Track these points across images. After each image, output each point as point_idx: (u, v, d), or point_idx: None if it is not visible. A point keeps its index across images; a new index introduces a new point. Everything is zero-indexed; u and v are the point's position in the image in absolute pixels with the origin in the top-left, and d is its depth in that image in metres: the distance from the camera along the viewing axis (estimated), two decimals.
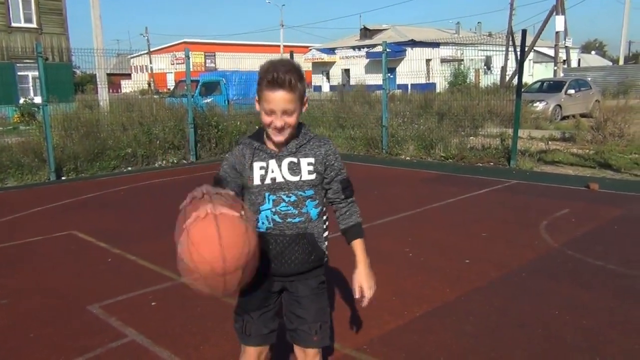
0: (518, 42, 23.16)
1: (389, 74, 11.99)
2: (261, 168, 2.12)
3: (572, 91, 18.92)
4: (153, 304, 4.11)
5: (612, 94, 23.30)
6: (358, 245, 2.24)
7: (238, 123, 12.72)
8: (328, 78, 46.34)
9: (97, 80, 18.06)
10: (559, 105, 18.19)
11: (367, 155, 11.82)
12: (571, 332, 3.51)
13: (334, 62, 47.70)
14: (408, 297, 4.11)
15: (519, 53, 10.50)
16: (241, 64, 21.48)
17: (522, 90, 10.27)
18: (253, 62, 22.28)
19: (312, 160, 2.15)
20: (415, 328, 3.60)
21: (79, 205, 7.72)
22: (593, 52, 65.45)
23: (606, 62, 50.70)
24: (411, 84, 29.35)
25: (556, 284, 4.35)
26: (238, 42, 60.20)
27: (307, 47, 53.11)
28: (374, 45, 40.29)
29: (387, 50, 11.75)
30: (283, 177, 2.12)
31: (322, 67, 48.22)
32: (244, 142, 2.21)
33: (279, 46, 54.76)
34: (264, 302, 2.21)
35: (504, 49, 31.55)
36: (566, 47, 33.49)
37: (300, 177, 2.13)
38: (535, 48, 33.20)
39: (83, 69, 41.62)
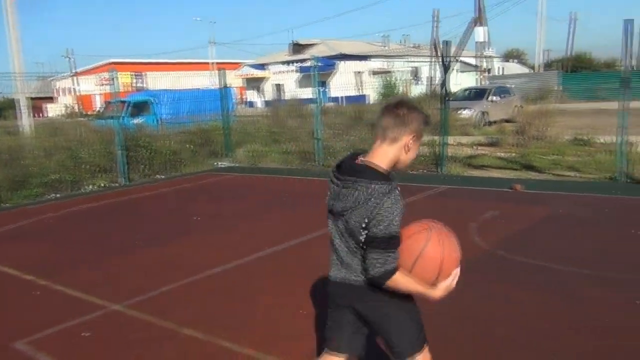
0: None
1: (321, 87, 12.13)
2: (404, 206, 2.16)
3: (495, 98, 19.74)
4: (86, 334, 3.94)
5: (532, 99, 24.48)
6: None
7: (171, 142, 12.51)
8: (261, 94, 46.34)
9: (19, 104, 17.30)
10: (484, 112, 18.94)
11: (303, 169, 11.86)
12: (508, 328, 3.65)
13: (266, 78, 47.81)
14: None
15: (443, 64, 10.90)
16: (172, 82, 21.06)
17: (449, 98, 10.65)
18: (184, 81, 22.00)
19: None
20: None
21: (1, 237, 7.31)
22: (515, 61, 68.57)
23: (526, 70, 53.32)
24: (344, 97, 29.86)
25: (489, 284, 4.50)
26: (167, 61, 59.09)
27: (239, 63, 52.95)
28: (305, 60, 40.71)
29: (318, 64, 11.90)
30: None
31: (255, 83, 48.20)
32: (393, 186, 2.11)
33: (209, 63, 54.29)
34: None
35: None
36: (488, 56, 35.15)
37: None
38: (461, 58, 34.57)
39: (3, 94, 39.61)
